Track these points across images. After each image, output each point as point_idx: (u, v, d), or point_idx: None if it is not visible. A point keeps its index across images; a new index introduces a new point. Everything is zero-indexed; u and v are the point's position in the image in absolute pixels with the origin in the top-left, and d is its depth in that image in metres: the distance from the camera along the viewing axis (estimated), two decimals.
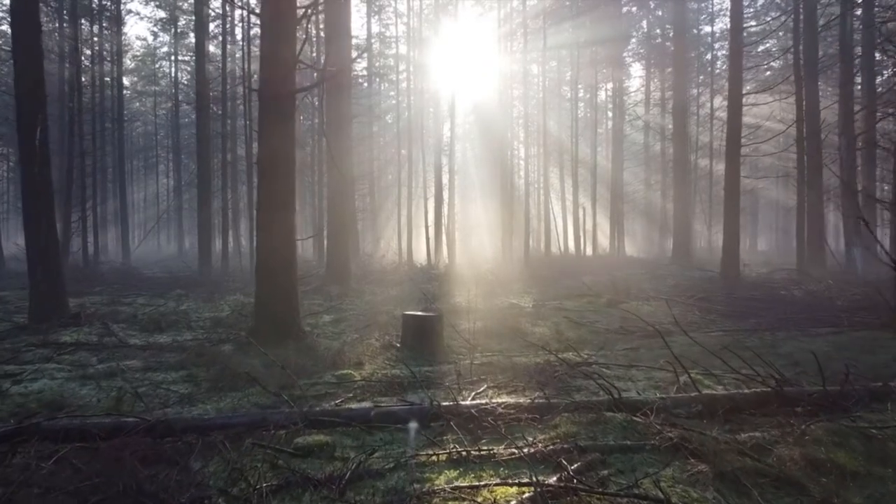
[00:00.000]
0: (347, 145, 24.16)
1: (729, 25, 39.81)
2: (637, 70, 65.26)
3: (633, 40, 39.24)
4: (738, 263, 13.60)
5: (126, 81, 48.49)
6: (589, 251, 30.98)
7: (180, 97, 38.39)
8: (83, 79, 28.25)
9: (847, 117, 14.60)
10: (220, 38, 23.81)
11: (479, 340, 7.02)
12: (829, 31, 22.19)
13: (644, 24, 38.37)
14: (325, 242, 15.77)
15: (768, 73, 41.27)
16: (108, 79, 31.28)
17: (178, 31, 38.81)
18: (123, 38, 40.54)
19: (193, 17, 25.23)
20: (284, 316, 6.02)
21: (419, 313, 6.48)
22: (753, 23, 39.27)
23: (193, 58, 31.43)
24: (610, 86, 37.80)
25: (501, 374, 4.98)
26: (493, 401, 3.53)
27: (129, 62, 44.52)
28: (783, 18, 21.53)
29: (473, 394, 4.00)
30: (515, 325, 7.84)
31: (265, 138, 5.96)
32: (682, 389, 4.20)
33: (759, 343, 6.77)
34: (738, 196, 13.64)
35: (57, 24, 27.47)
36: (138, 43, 57.59)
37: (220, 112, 22.63)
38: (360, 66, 38.45)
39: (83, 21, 29.26)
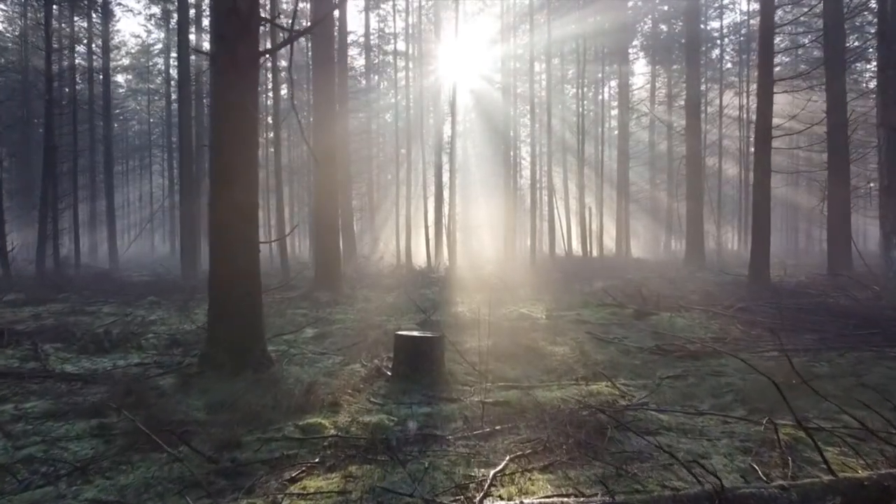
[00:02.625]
0: (341, 133, 22.87)
1: (739, 19, 38.03)
2: (641, 67, 64.24)
3: (639, 35, 38.09)
4: (769, 267, 12.34)
5: (120, 79, 47.32)
6: (594, 252, 29.64)
7: (174, 95, 37.16)
8: (75, 73, 27.05)
9: (887, 106, 13.39)
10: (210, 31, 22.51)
11: (488, 364, 5.76)
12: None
13: (649, 18, 37.21)
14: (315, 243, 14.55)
15: (778, 67, 40.01)
16: (100, 76, 30.03)
17: (171, 27, 37.55)
18: (118, 34, 39.42)
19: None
20: (243, 338, 4.75)
21: (415, 333, 5.22)
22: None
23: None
24: (614, 83, 36.69)
25: (524, 425, 3.71)
26: (527, 501, 2.25)
27: (124, 60, 43.23)
28: (809, 7, 20.21)
29: (493, 474, 2.72)
30: (531, 342, 6.58)
31: (220, 111, 4.71)
32: (790, 455, 2.93)
33: (832, 370, 5.51)
34: (768, 193, 12.38)
35: (42, 16, 26.24)
36: (133, 41, 56.41)
37: (209, 106, 21.37)
38: (359, 64, 37.32)
39: (74, 16, 28.11)
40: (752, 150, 35.17)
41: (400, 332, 5.20)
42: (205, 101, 22.74)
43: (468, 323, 8.34)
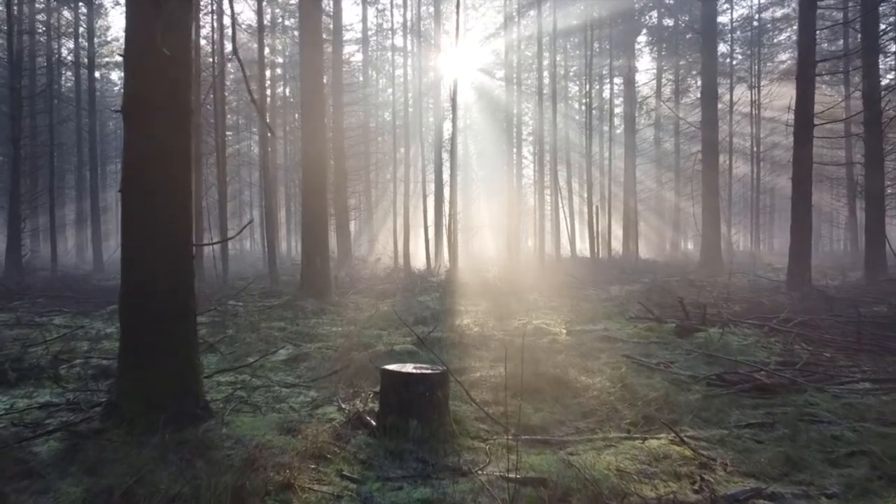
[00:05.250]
0: (336, 127, 21.43)
1: (748, 12, 36.74)
2: (645, 63, 63.13)
3: (644, 32, 36.93)
4: (810, 271, 10.98)
5: (115, 76, 45.78)
6: (601, 254, 28.25)
7: None
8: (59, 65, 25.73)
9: None
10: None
11: (506, 403, 4.42)
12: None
13: (655, 12, 36.05)
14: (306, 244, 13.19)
15: (789, 62, 38.84)
16: (86, 71, 28.71)
17: None
18: (110, 30, 37.97)
19: None
20: (165, 381, 3.39)
21: (409, 368, 3.85)
22: (774, 9, 36.90)
23: None
24: (619, 80, 35.43)
25: None
26: None
27: (118, 56, 41.63)
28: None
29: None
30: (556, 370, 5.20)
31: (131, 58, 3.36)
32: None
33: None
34: (809, 189, 11.01)
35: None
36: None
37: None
38: (356, 60, 35.93)
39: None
40: (760, 148, 33.83)
41: (389, 368, 3.83)
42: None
43: (475, 340, 6.99)
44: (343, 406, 4.15)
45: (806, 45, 10.99)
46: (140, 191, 3.42)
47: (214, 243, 4.69)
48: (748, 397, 4.73)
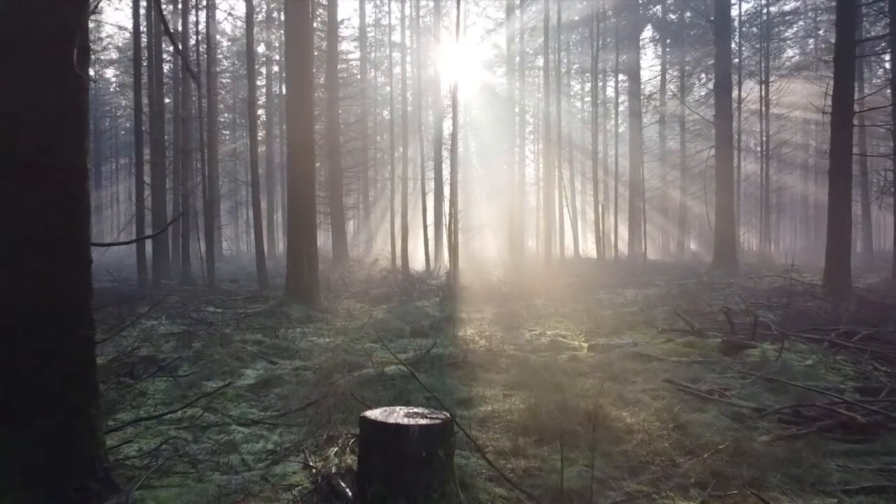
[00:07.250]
0: (331, 121, 20.38)
1: (756, 7, 35.79)
2: (649, 60, 62.21)
3: (649, 27, 35.96)
4: (850, 274, 9.93)
5: (109, 74, 44.71)
6: (606, 254, 27.18)
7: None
8: None
9: None
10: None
11: (528, 453, 3.38)
12: None
13: (659, 7, 35.07)
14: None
15: (796, 57, 37.91)
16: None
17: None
18: (104, 27, 36.96)
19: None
20: (47, 445, 2.33)
21: (400, 418, 2.78)
22: (783, 2, 35.87)
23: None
24: (623, 77, 34.43)
25: None
26: None
27: (112, 53, 40.59)
28: None
29: None
30: (588, 403, 4.13)
31: None
32: None
33: None
34: (849, 184, 9.93)
35: None
36: (120, 34, 53.94)
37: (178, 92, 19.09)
38: (354, 57, 34.91)
39: None
40: (763, 150, 32.87)
41: (371, 416, 2.76)
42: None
43: (482, 358, 5.92)
44: (311, 462, 3.08)
45: (845, 22, 9.92)
46: (4, 169, 2.36)
47: (117, 244, 3.61)
48: (836, 440, 3.68)
